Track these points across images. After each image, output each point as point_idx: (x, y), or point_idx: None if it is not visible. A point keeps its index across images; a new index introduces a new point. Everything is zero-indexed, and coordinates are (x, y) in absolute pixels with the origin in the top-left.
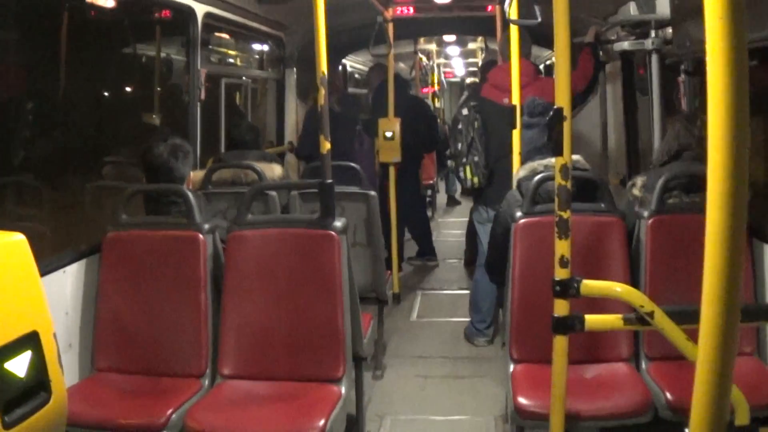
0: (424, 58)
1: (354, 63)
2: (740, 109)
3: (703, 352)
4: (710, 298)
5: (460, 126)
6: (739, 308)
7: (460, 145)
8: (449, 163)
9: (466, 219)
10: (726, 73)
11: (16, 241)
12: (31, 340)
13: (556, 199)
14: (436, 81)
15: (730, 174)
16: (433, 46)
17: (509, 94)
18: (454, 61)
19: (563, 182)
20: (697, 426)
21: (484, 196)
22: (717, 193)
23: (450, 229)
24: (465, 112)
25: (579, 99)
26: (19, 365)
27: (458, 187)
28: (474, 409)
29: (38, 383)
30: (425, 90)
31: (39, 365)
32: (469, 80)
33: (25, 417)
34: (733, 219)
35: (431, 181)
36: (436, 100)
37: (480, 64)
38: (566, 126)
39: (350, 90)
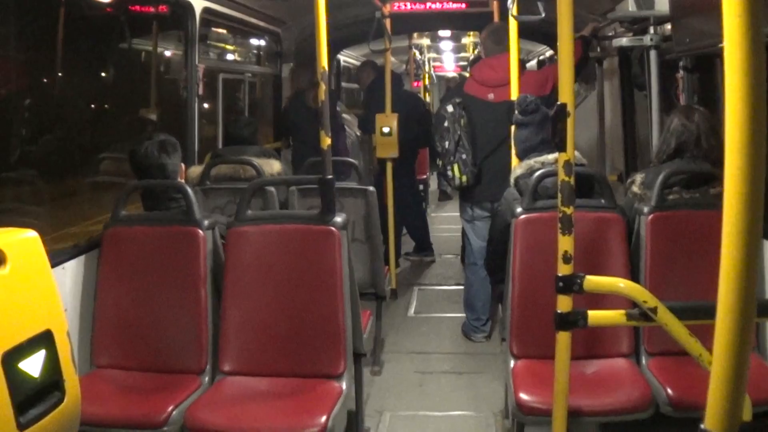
0: (417, 53)
1: (347, 57)
2: (758, 108)
3: (718, 350)
4: (726, 295)
5: (446, 123)
6: (755, 305)
7: (447, 144)
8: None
9: (457, 214)
10: (743, 72)
11: (29, 238)
12: (45, 339)
13: (559, 195)
14: (427, 75)
15: (748, 172)
16: (425, 41)
17: (494, 90)
18: (445, 55)
19: (566, 178)
20: (712, 422)
21: (471, 195)
22: (734, 191)
23: (445, 223)
24: (450, 109)
25: None
26: (33, 365)
27: None
28: (473, 405)
29: (52, 383)
30: (416, 84)
31: (53, 365)
32: (449, 75)
33: (40, 417)
34: (750, 217)
35: (424, 176)
36: (427, 94)
37: (470, 56)
38: (570, 122)
39: (343, 85)
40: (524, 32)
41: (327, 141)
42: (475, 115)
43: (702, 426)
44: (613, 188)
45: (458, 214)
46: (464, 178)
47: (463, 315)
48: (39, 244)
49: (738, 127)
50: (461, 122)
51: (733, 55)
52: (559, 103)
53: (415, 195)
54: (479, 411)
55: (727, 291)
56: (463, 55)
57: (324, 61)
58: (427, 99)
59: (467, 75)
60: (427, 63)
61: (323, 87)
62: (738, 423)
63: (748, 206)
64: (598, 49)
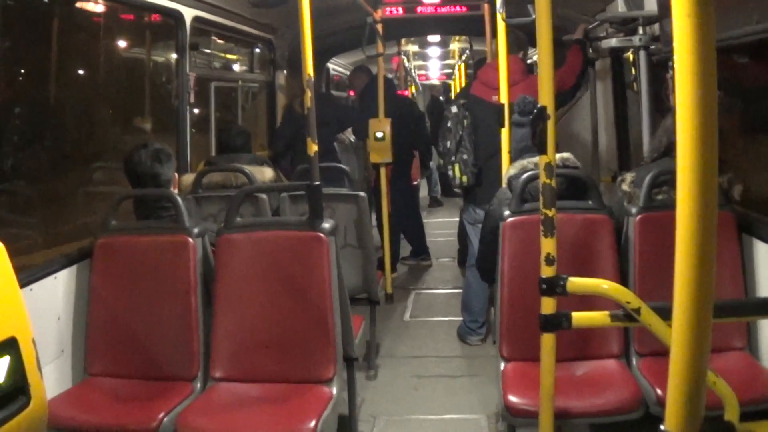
0: (405, 60)
1: (335, 66)
2: (708, 107)
3: (675, 349)
4: (682, 295)
5: (449, 124)
6: (712, 305)
7: (449, 143)
8: (433, 163)
9: (452, 219)
10: (694, 71)
11: None
12: (9, 346)
13: (541, 198)
14: (413, 84)
15: (700, 171)
16: (413, 47)
17: (498, 92)
18: (431, 62)
19: (548, 180)
20: (672, 423)
21: (473, 196)
22: (687, 189)
23: (439, 228)
24: (454, 109)
25: (568, 95)
26: None
27: (440, 188)
28: (467, 408)
29: (17, 388)
30: (403, 93)
31: (18, 370)
32: (435, 82)
33: (4, 421)
34: (703, 215)
35: (415, 183)
36: None
37: (455, 63)
38: (550, 124)
39: (332, 92)
40: (533, 39)
41: (314, 148)
42: (479, 116)
43: (662, 427)
44: (608, 189)
45: (451, 219)
46: (465, 179)
47: (459, 318)
48: (3, 254)
49: (689, 128)
50: (464, 123)
51: (683, 56)
52: (539, 105)
53: (411, 199)
54: (473, 414)
55: (682, 291)
56: (448, 62)
57: (310, 68)
58: None
59: (449, 84)
60: (412, 70)
61: (309, 94)
62: (698, 423)
63: (702, 205)
64: (590, 51)
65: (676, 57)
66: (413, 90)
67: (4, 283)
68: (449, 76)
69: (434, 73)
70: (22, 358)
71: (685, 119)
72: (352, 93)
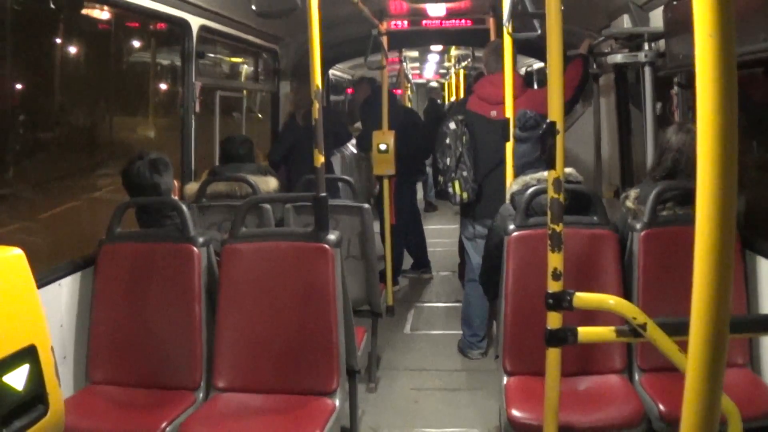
0: (405, 64)
1: (333, 70)
2: (729, 125)
3: (692, 365)
4: (699, 311)
5: (448, 140)
6: (728, 320)
7: (448, 160)
8: (428, 167)
9: (449, 226)
10: (715, 90)
11: (15, 255)
12: (28, 354)
13: (549, 212)
14: (408, 83)
15: (720, 188)
16: (413, 53)
17: (497, 107)
18: (427, 64)
19: (556, 195)
20: None
21: (472, 212)
22: (706, 206)
23: (437, 237)
24: (452, 126)
25: (565, 109)
26: (17, 378)
27: (434, 192)
28: (468, 422)
29: (36, 396)
30: (397, 91)
31: (36, 378)
32: (433, 84)
33: (23, 429)
34: (723, 231)
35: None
36: (409, 102)
37: (451, 66)
38: (559, 139)
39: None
40: (523, 48)
41: (320, 159)
42: (478, 132)
43: None
44: (611, 204)
45: (448, 227)
46: (465, 195)
47: (459, 332)
48: (24, 262)
49: (710, 147)
50: (463, 139)
51: (705, 75)
52: (548, 120)
53: (415, 211)
54: (473, 427)
55: (700, 307)
56: (445, 64)
57: (318, 79)
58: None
59: (443, 83)
60: (408, 73)
61: (317, 105)
62: None
63: (721, 223)
64: (594, 66)
65: (698, 77)
66: (409, 93)
67: (25, 290)
68: (443, 76)
69: (429, 73)
70: (41, 366)
71: (707, 138)
72: (350, 90)
